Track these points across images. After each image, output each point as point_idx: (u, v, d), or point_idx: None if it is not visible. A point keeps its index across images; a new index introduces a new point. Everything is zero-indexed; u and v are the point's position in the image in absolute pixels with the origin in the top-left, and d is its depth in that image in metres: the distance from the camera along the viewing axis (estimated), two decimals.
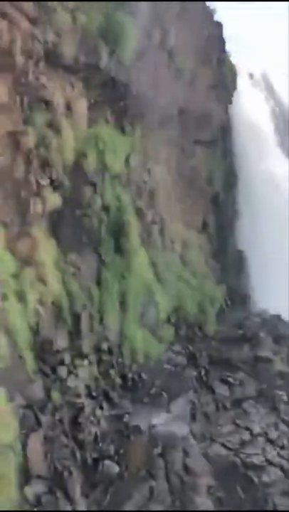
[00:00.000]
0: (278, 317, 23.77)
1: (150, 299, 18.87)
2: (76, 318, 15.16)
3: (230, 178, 28.90)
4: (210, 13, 24.52)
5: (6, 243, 12.96)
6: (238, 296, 25.98)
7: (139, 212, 20.21)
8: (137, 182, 20.96)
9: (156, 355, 18.32)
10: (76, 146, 15.62)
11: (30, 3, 13.10)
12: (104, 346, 16.02)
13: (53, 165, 14.53)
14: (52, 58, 14.55)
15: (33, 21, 13.42)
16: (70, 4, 14.52)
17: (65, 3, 14.28)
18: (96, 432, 13.64)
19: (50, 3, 13.72)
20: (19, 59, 12.97)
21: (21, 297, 12.67)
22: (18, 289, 12.59)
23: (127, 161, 19.39)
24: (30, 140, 13.72)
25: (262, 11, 43.32)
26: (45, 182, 14.33)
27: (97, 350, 15.87)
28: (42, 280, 13.70)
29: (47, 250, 14.36)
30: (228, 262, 27.73)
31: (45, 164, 14.32)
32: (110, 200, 17.31)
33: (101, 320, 16.30)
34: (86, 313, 15.53)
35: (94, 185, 16.57)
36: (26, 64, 13.46)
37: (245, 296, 26.34)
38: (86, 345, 15.23)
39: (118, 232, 17.32)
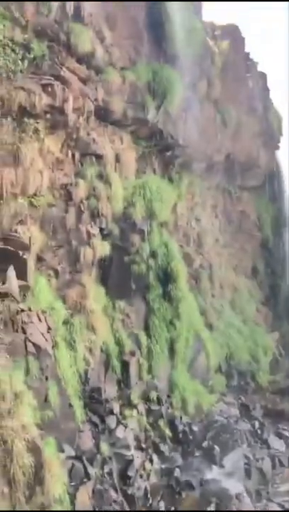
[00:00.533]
0: None
1: (200, 347, 18.49)
2: (125, 366, 15.04)
3: (280, 222, 28.56)
4: (253, 65, 25.18)
5: (56, 291, 13.27)
6: None
7: (187, 258, 20.22)
8: (184, 228, 21.14)
9: (208, 406, 17.70)
10: (125, 196, 16.07)
11: (83, 66, 13.96)
12: (154, 395, 15.67)
13: (102, 214, 14.97)
14: (102, 114, 15.31)
15: (85, 81, 14.28)
16: (120, 64, 15.36)
17: (114, 63, 15.11)
18: (146, 487, 13.13)
19: (101, 64, 14.56)
20: (71, 116, 13.72)
21: (71, 345, 12.77)
22: (68, 336, 12.72)
23: (174, 208, 19.69)
24: (81, 191, 14.28)
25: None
26: (95, 231, 14.73)
27: (146, 399, 15.55)
28: (91, 327, 13.79)
29: (96, 298, 14.53)
30: (281, 308, 26.91)
31: (96, 214, 14.77)
32: (158, 247, 17.47)
33: (150, 368, 16.07)
34: (135, 361, 15.39)
35: (142, 232, 16.84)
36: (78, 121, 14.22)
37: None
38: (135, 394, 14.98)
39: (166, 278, 17.33)
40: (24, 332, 10.53)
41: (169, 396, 16.47)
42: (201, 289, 21.09)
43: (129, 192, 16.42)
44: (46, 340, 11.13)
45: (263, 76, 26.32)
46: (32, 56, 12.11)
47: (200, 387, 17.87)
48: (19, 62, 11.62)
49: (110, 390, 14.12)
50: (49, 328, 11.49)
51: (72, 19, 13.14)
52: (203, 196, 23.35)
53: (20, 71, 11.76)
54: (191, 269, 20.51)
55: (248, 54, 24.79)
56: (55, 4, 12.32)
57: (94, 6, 13.91)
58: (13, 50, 11.39)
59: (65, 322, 12.89)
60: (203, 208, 23.33)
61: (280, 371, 22.58)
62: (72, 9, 13.02)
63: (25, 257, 11.30)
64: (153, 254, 17.20)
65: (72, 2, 12.96)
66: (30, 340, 10.53)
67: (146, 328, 16.63)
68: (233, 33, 22.84)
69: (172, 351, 17.02)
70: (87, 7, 13.49)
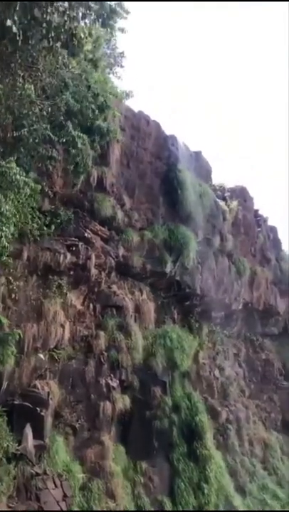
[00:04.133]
0: None
1: None
2: None
3: None
4: (263, 219, 26.98)
5: (74, 451, 12.50)
6: None
7: (212, 411, 19.19)
8: (207, 378, 20.48)
9: None
10: (145, 346, 16.03)
11: (105, 228, 15.21)
12: None
13: (122, 366, 14.78)
14: (122, 269, 16.15)
15: (106, 240, 15.42)
16: (138, 225, 16.68)
17: (134, 224, 16.41)
18: None
19: (121, 226, 15.83)
20: (93, 272, 14.53)
21: None
22: (85, 505, 11.60)
23: (195, 357, 19.37)
24: (101, 343, 14.37)
25: None
26: (114, 383, 14.39)
27: None
28: (110, 494, 12.61)
29: (116, 458, 13.56)
30: None
31: (116, 365, 14.60)
32: (181, 400, 16.77)
33: None
34: None
35: (163, 384, 16.35)
36: (100, 275, 15.02)
37: None
38: None
39: (191, 434, 16.29)
40: (38, 500, 9.72)
41: None
42: (229, 445, 19.55)
43: (150, 342, 16.41)
44: (61, 510, 10.17)
45: (273, 229, 28.01)
46: (59, 221, 13.36)
47: None
48: (46, 227, 12.77)
49: None
50: (65, 496, 10.59)
51: (95, 189, 14.73)
52: (224, 344, 23.09)
53: (48, 234, 12.86)
54: (216, 424, 19.31)
55: (257, 211, 26.76)
56: (81, 177, 13.90)
57: (115, 177, 15.68)
58: (40, 218, 12.60)
59: (83, 487, 11.87)
60: (225, 356, 22.89)
61: None
62: (96, 181, 14.68)
63: (42, 414, 10.98)
64: (176, 408, 16.44)
65: (95, 175, 14.64)
66: (44, 511, 9.65)
67: (172, 493, 15.12)
68: (241, 193, 24.95)
69: None
70: (109, 178, 15.21)
